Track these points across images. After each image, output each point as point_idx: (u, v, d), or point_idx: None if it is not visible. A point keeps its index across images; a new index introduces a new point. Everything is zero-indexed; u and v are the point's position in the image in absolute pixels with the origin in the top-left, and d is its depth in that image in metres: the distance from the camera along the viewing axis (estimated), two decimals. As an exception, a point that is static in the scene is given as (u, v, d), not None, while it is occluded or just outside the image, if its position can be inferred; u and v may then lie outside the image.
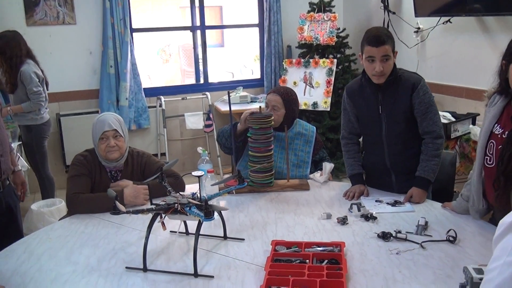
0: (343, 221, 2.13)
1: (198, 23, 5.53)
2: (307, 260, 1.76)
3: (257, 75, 6.11)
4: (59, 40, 4.90)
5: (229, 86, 5.62)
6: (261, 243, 1.97)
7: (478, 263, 1.56)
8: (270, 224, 2.16)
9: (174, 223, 2.01)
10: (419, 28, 4.65)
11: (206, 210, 1.70)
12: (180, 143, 5.60)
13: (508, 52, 1.86)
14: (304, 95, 5.02)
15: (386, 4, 4.91)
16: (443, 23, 4.28)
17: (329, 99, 4.87)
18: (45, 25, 4.83)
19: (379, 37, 2.25)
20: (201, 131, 5.37)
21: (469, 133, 3.70)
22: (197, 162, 2.58)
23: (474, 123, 3.83)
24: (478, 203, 2.08)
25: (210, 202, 1.79)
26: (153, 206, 1.84)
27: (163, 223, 1.86)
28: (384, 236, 1.96)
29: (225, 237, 2.03)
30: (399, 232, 1.97)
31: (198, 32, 5.57)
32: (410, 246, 1.89)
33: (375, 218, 2.16)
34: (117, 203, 1.77)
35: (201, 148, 2.53)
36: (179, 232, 2.04)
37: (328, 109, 4.90)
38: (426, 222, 2.07)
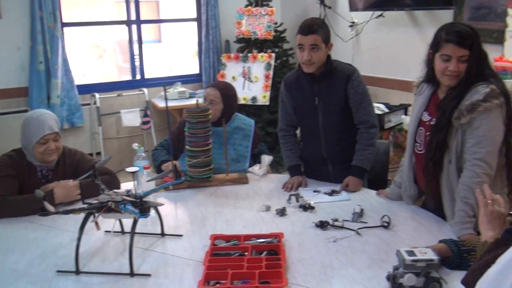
0: (281, 212, 2.14)
1: (133, 17, 5.39)
2: (246, 253, 1.75)
3: (195, 70, 6.04)
4: (-17, 35, 4.61)
5: (166, 82, 5.50)
6: (200, 238, 1.94)
7: (411, 246, 1.61)
8: (209, 218, 2.14)
9: (109, 222, 1.93)
10: (353, 22, 4.76)
11: (141, 206, 1.65)
12: (117, 141, 5.43)
13: (435, 42, 1.94)
14: (243, 89, 5.01)
15: (322, -2, 4.99)
16: (376, 18, 4.40)
17: (268, 94, 4.89)
18: (-34, 19, 4.53)
19: (309, 27, 2.29)
20: (138, 128, 5.24)
21: (402, 123, 3.83)
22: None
23: (406, 114, 3.97)
24: (410, 189, 2.15)
25: (146, 199, 1.74)
26: (85, 206, 1.76)
27: (96, 223, 1.78)
28: (322, 225, 1.98)
29: (162, 234, 1.98)
30: (336, 220, 2.00)
31: (134, 26, 5.43)
32: (347, 233, 1.93)
33: (313, 208, 2.18)
34: (46, 203, 1.68)
35: (136, 144, 2.46)
36: (114, 232, 1.96)
37: (267, 104, 4.92)
38: (362, 210, 2.11)
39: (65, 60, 4.87)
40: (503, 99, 1.83)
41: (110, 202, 1.73)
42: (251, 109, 5.12)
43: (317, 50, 2.31)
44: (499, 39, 3.36)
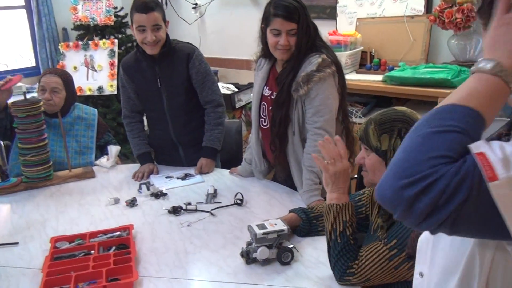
0: (132, 203, 2.02)
1: None
2: (93, 251, 1.61)
3: (32, 63, 5.50)
4: None
5: (-2, 77, 4.94)
6: (40, 243, 1.74)
7: (263, 220, 1.61)
8: (51, 220, 1.93)
9: None
10: (196, 4, 4.70)
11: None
12: None
13: (264, 16, 1.95)
14: (88, 80, 4.68)
15: (162, -19, 4.83)
16: (217, -2, 4.40)
17: (115, 82, 4.62)
18: None
19: (147, 4, 2.16)
20: (-31, 131, 4.62)
21: (251, 101, 3.89)
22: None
23: (255, 92, 4.04)
24: (260, 164, 2.17)
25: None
26: None
27: None
28: (175, 211, 1.91)
29: (-7, 244, 1.73)
30: (189, 204, 1.94)
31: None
32: (201, 216, 1.88)
33: (165, 194, 2.09)
34: None
35: (-46, 147, 2.13)
36: None
37: (115, 93, 4.65)
38: (215, 190, 2.08)
39: None
40: (335, 68, 1.91)
41: None
42: (99, 100, 4.81)
43: (159, 30, 2.20)
44: (332, 15, 3.56)
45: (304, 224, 1.67)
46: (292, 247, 1.54)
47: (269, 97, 2.05)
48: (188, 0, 4.71)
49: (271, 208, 1.94)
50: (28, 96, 2.33)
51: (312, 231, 1.68)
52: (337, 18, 3.53)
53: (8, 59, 8.43)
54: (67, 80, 2.51)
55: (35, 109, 2.21)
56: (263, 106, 2.08)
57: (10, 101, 2.29)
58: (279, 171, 2.14)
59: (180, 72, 2.30)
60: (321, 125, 1.91)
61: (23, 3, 5.17)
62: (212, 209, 1.91)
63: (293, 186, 2.09)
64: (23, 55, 8.49)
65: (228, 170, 2.37)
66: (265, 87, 2.08)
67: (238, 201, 1.96)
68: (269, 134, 2.06)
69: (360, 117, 2.96)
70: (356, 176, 2.38)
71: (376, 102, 3.14)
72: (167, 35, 2.28)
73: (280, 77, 1.97)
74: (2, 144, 2.61)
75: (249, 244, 1.54)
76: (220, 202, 1.99)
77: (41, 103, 2.26)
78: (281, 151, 2.02)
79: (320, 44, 1.96)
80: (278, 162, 2.06)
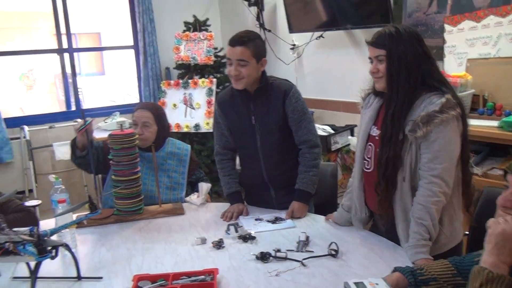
0: (218, 244, 1.91)
1: (66, 46, 5.09)
2: (174, 295, 1.51)
3: (136, 99, 5.78)
4: None
5: (104, 112, 5.23)
6: (123, 280, 1.67)
7: (360, 276, 1.42)
8: (136, 256, 1.87)
9: (20, 266, 1.64)
10: (294, 45, 4.67)
11: (40, 247, 1.38)
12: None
13: None
14: (185, 117, 4.79)
15: (262, 22, 4.88)
16: (316, 39, 4.32)
17: (211, 120, 4.68)
18: None
19: (237, 38, 2.13)
20: (75, 162, 4.89)
21: (349, 144, 3.71)
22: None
23: (352, 134, 3.85)
24: (360, 211, 1.97)
25: (54, 237, 1.48)
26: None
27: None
28: (263, 257, 1.76)
29: (79, 277, 1.69)
30: (279, 250, 1.79)
31: (67, 56, 5.13)
32: (291, 265, 1.71)
33: (253, 238, 1.96)
34: None
35: (53, 176, 2.18)
36: (14, 278, 1.66)
37: (211, 130, 4.70)
38: (307, 237, 1.91)
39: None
40: (460, 111, 1.71)
41: (7, 243, 1.45)
42: (195, 137, 4.90)
43: (245, 65, 2.12)
44: (439, 56, 3.31)
45: (412, 289, 1.44)
46: (395, 312, 1.32)
47: (376, 137, 1.86)
48: (286, 40, 4.71)
49: (369, 263, 1.72)
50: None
51: (419, 297, 1.44)
52: (445, 59, 3.29)
53: (117, 96, 9.03)
54: (158, 114, 2.52)
55: (130, 142, 2.22)
56: (369, 147, 1.90)
57: (107, 133, 2.34)
58: (381, 220, 1.93)
59: (276, 110, 2.20)
60: (438, 173, 1.69)
61: (132, 43, 5.46)
62: (303, 259, 1.74)
63: (394, 239, 1.87)
64: (130, 93, 9.05)
65: (323, 217, 2.19)
66: (373, 126, 1.90)
67: (333, 252, 1.77)
68: (371, 179, 1.86)
69: (472, 166, 2.66)
70: (467, 232, 2.08)
71: (490, 150, 2.83)
72: (264, 72, 2.21)
73: (387, 114, 1.78)
74: (100, 177, 2.66)
75: (344, 303, 1.35)
76: (312, 251, 1.82)
77: (136, 136, 2.27)
78: (386, 196, 1.81)
79: (440, 79, 1.76)
80: (382, 209, 1.84)
